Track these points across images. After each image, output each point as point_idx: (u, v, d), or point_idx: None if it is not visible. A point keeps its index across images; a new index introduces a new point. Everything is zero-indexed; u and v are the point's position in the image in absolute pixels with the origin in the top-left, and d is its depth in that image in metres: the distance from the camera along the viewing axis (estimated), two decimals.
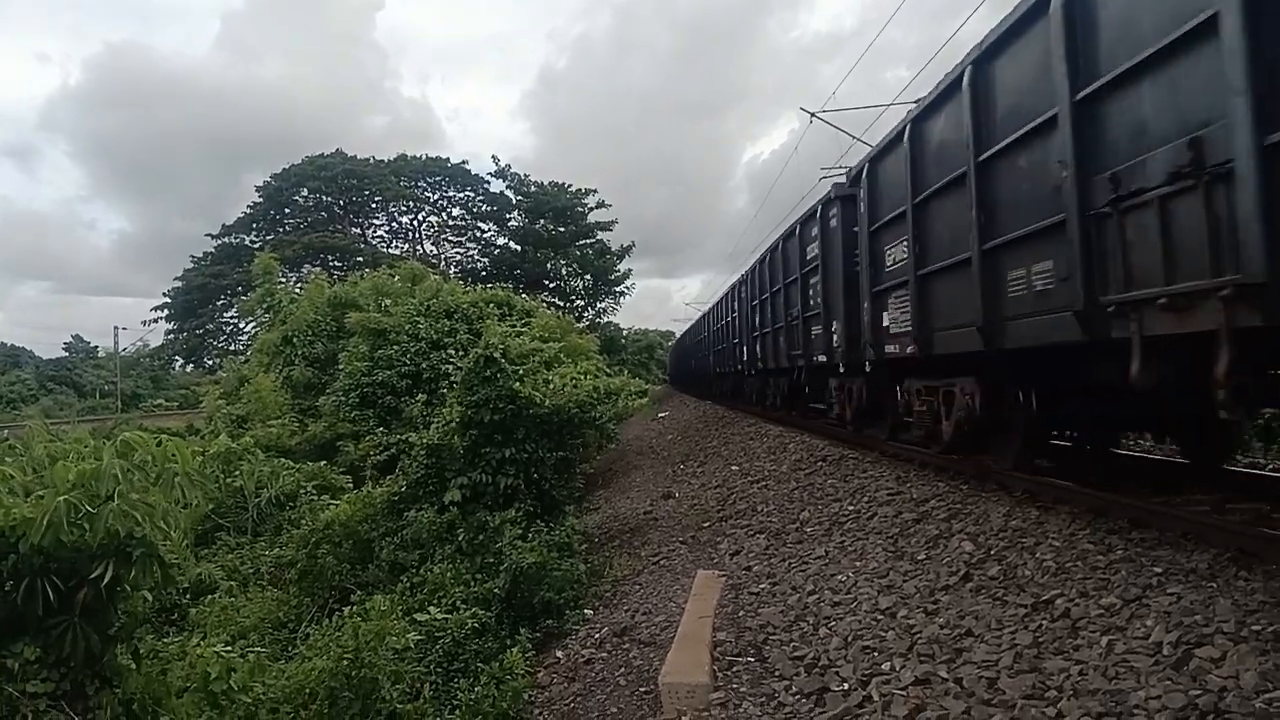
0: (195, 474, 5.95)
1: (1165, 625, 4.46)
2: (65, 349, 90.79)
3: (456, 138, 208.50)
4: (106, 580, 5.48)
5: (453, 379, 16.13)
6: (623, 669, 7.30)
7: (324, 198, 67.85)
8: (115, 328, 70.89)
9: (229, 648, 8.20)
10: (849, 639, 5.84)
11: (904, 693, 4.83)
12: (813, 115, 22.18)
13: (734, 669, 6.00)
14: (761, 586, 7.73)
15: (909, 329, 9.06)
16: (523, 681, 7.96)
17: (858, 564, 7.39)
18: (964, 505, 7.84)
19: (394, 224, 71.64)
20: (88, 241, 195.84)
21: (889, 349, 10.05)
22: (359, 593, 11.64)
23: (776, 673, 5.76)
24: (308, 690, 7.72)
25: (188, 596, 12.50)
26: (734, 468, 14.64)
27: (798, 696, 5.31)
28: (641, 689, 6.67)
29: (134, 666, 6.33)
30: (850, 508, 9.25)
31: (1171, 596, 4.78)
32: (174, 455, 5.86)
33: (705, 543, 10.49)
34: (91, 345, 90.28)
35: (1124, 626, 4.63)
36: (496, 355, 13.73)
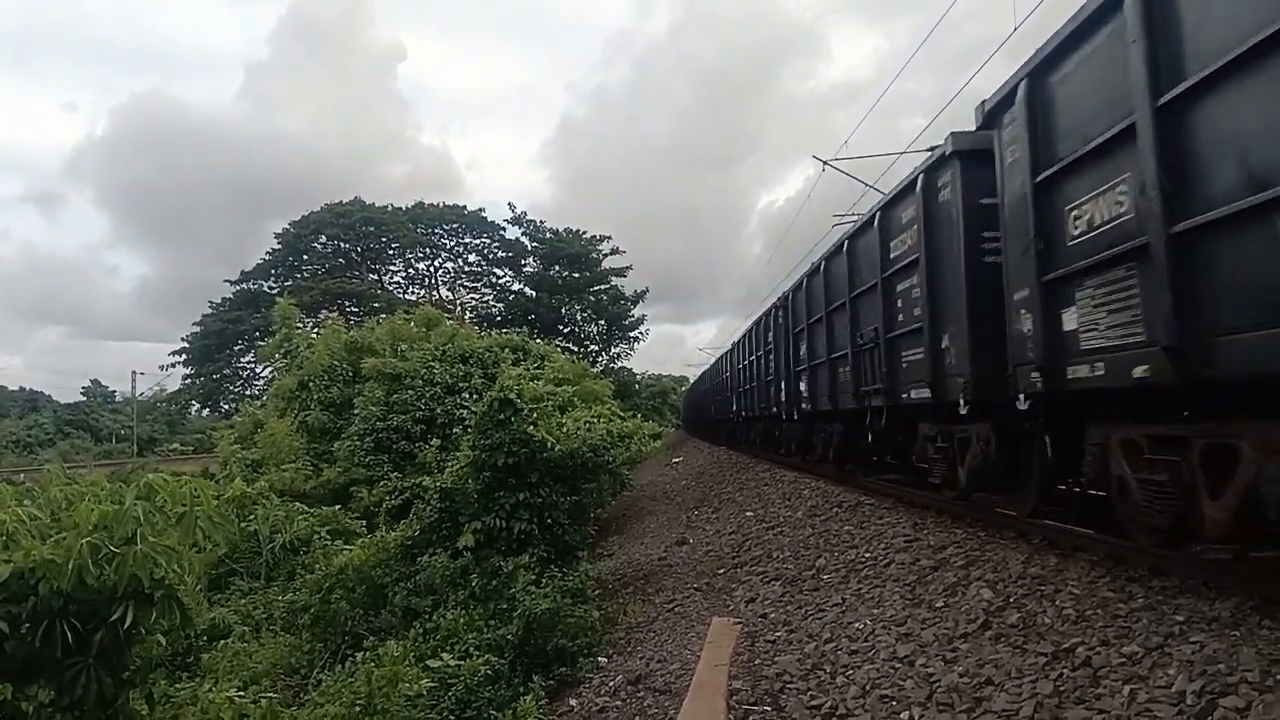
0: (216, 516, 5.98)
1: (1188, 674, 4.40)
2: (83, 393, 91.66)
3: (476, 186, 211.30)
4: (125, 624, 5.49)
5: (467, 423, 16.16)
6: (637, 717, 7.23)
7: (342, 244, 68.58)
8: (133, 373, 71.72)
9: (241, 693, 8.16)
10: (867, 687, 5.78)
11: None
12: (825, 163, 22.34)
13: (750, 718, 5.94)
14: (778, 634, 7.66)
15: (1135, 336, 5.57)
16: None
17: (875, 611, 7.32)
18: (982, 552, 7.78)
19: (411, 270, 72.36)
20: (109, 287, 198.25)
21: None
22: (372, 638, 11.58)
23: None
24: None
25: (201, 641, 12.47)
26: (748, 513, 14.56)
27: None
28: None
29: (147, 711, 6.30)
30: (867, 554, 9.18)
31: (1194, 645, 4.71)
32: (197, 497, 5.89)
33: (720, 589, 10.41)
34: (109, 390, 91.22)
35: (1146, 675, 4.57)
36: (511, 398, 13.76)
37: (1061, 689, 4.77)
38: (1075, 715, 4.44)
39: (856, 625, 7.12)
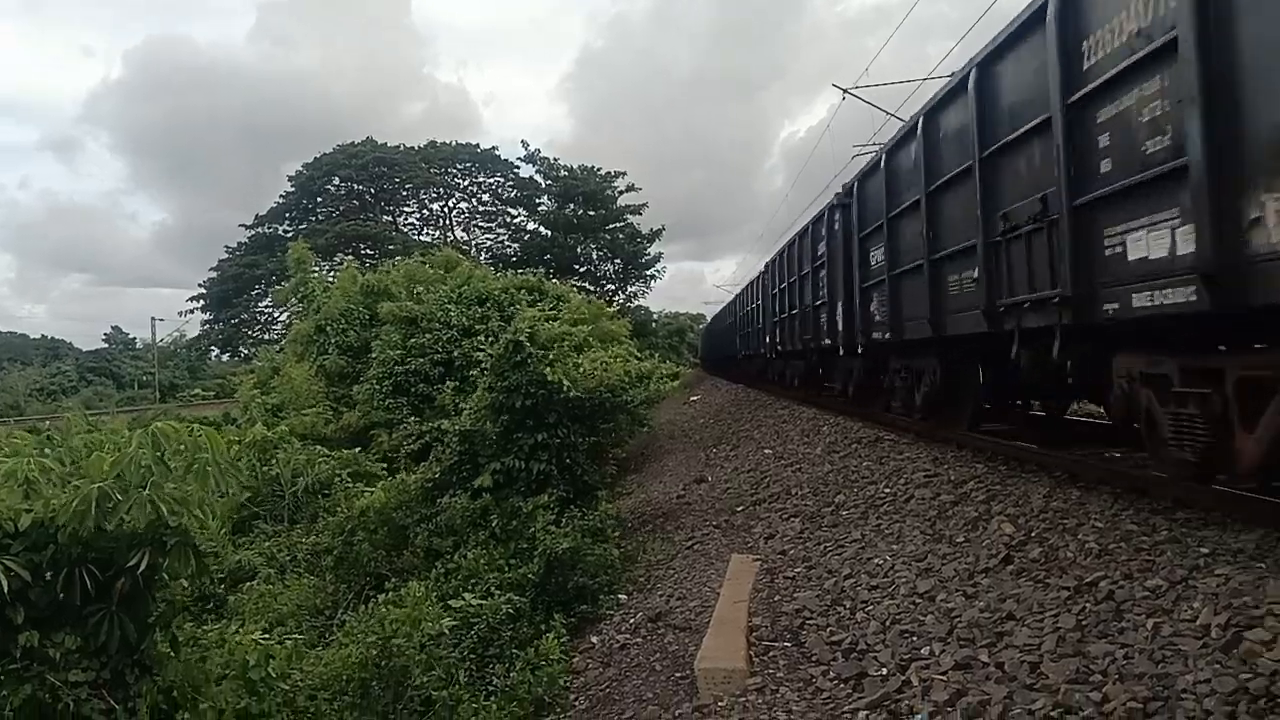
0: (227, 462, 5.97)
1: (1213, 607, 4.34)
2: (105, 340, 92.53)
3: (493, 123, 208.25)
4: (143, 569, 5.52)
5: (484, 366, 16.18)
6: (658, 654, 7.27)
7: (355, 186, 68.36)
8: (152, 319, 72.42)
9: (267, 635, 8.26)
10: (887, 623, 5.76)
11: (944, 677, 4.75)
12: (845, 92, 21.92)
13: (770, 654, 5.95)
14: (797, 571, 7.66)
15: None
16: (558, 667, 7.95)
17: (895, 547, 7.29)
18: (1003, 486, 7.72)
19: (425, 211, 72.14)
20: (128, 233, 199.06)
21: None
22: (394, 579, 11.72)
23: (813, 658, 5.70)
24: (344, 677, 7.76)
25: (226, 584, 12.65)
26: (767, 451, 14.55)
27: (835, 681, 5.24)
28: (677, 674, 6.63)
29: (173, 654, 6.37)
30: (886, 490, 9.14)
31: (1219, 578, 4.64)
32: (205, 444, 5.88)
33: (739, 527, 10.42)
34: (130, 337, 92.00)
35: (1170, 609, 4.51)
36: (526, 340, 13.71)
37: (1084, 623, 4.72)
38: (1098, 649, 4.39)
39: (876, 561, 7.10)
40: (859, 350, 13.22)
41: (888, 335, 11.19)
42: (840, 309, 13.86)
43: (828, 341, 15.33)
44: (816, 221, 16.41)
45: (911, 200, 10.02)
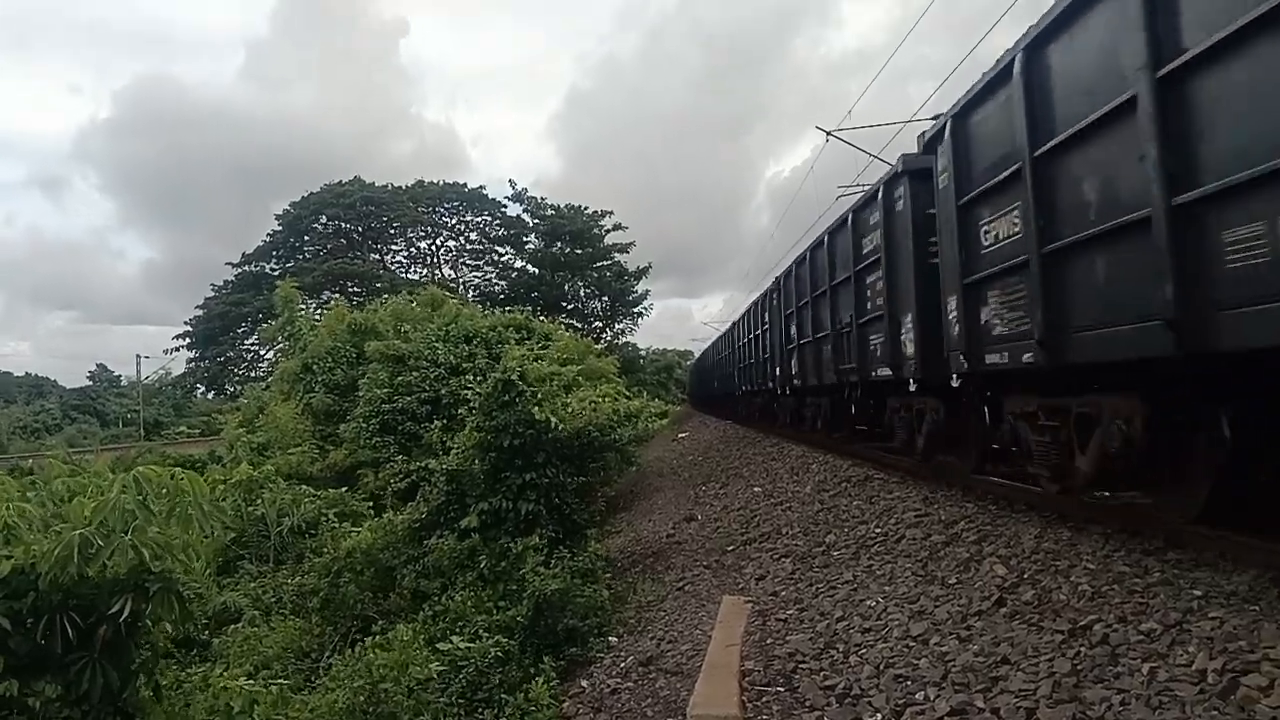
0: (210, 506, 5.91)
1: (1208, 652, 4.32)
2: (89, 378, 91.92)
3: (481, 162, 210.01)
4: (125, 616, 5.44)
5: (472, 405, 16.14)
6: (649, 699, 7.17)
7: (342, 224, 68.38)
8: (138, 356, 71.85)
9: (251, 679, 8.14)
10: (881, 667, 5.71)
11: None
12: (829, 134, 22.10)
13: (763, 699, 5.88)
14: (789, 613, 7.60)
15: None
16: (548, 713, 7.84)
17: (887, 588, 7.25)
18: (994, 527, 7.70)
19: (412, 249, 72.11)
20: (115, 270, 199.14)
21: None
22: (381, 621, 11.58)
23: (807, 703, 5.63)
24: None
25: (211, 626, 12.48)
26: (756, 489, 14.49)
27: None
28: None
29: (156, 701, 6.27)
30: (877, 530, 9.10)
31: (1213, 621, 4.63)
32: (188, 488, 5.82)
33: (730, 567, 10.35)
34: (115, 374, 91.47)
35: (1165, 653, 4.49)
36: (515, 379, 13.67)
37: (1079, 667, 4.69)
38: (1094, 694, 4.36)
39: (869, 603, 7.05)
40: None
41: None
42: (910, 325, 10.04)
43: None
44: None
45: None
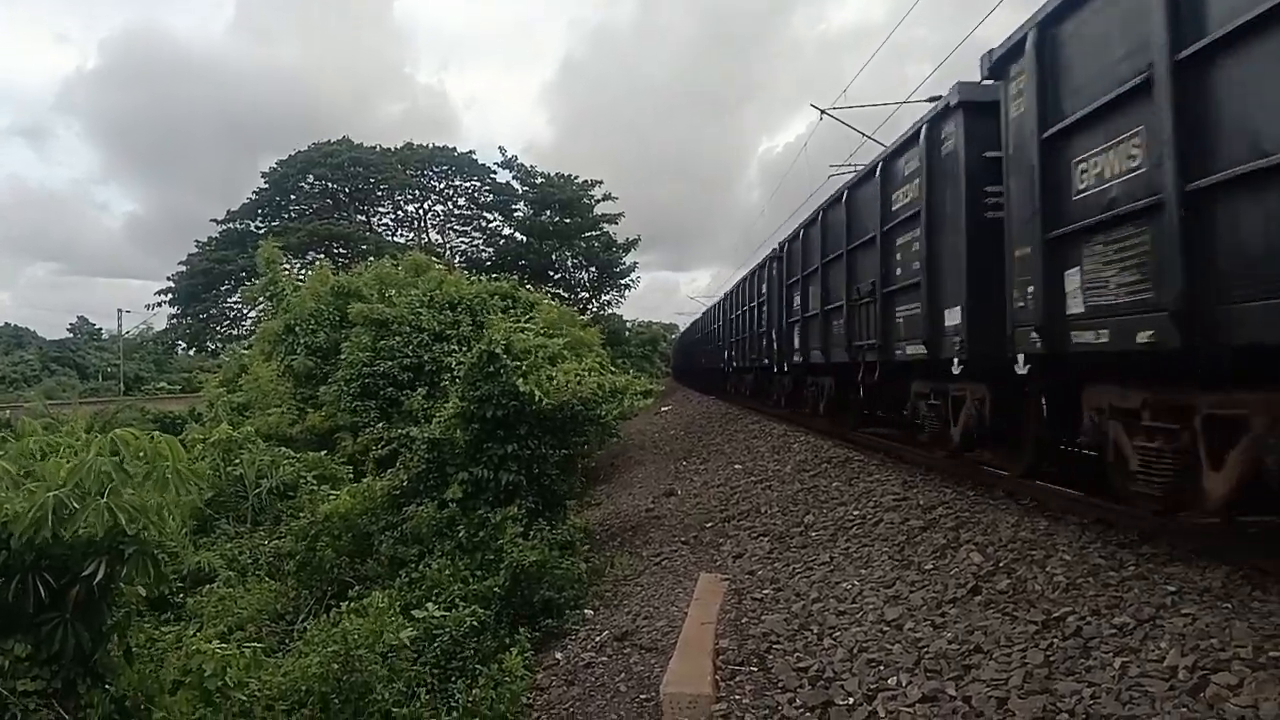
0: (187, 470, 5.86)
1: (1180, 648, 4.36)
2: (70, 330, 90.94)
3: (473, 126, 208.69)
4: (99, 578, 5.40)
5: (455, 372, 16.02)
6: (623, 674, 7.20)
7: (329, 185, 67.69)
8: (119, 310, 71.18)
9: (225, 641, 8.12)
10: (854, 650, 5.74)
11: (910, 710, 4.73)
12: (823, 112, 22.01)
13: (736, 679, 5.90)
14: (765, 592, 7.63)
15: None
16: (521, 684, 7.86)
17: (863, 572, 7.28)
18: (972, 514, 7.73)
19: (399, 212, 71.51)
20: (99, 223, 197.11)
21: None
22: (358, 586, 11.57)
23: (780, 684, 5.65)
24: (303, 689, 7.64)
25: (186, 585, 12.42)
26: (737, 466, 14.53)
27: (801, 710, 5.20)
28: (642, 696, 6.57)
29: (127, 663, 6.24)
30: (855, 512, 9.14)
31: (1186, 617, 4.67)
32: (165, 453, 5.77)
33: (708, 543, 10.38)
34: (96, 327, 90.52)
35: (1137, 648, 4.52)
36: (499, 351, 13.61)
37: (1052, 659, 4.72)
38: (1066, 687, 4.39)
39: (844, 585, 7.08)
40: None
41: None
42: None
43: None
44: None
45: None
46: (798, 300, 15.21)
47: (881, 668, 5.37)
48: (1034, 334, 6.67)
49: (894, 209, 10.00)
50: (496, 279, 27.46)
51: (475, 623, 9.33)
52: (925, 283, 8.86)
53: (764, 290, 19.39)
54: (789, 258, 16.34)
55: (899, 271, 9.84)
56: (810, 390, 15.66)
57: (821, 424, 14.99)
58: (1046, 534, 6.67)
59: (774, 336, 17.87)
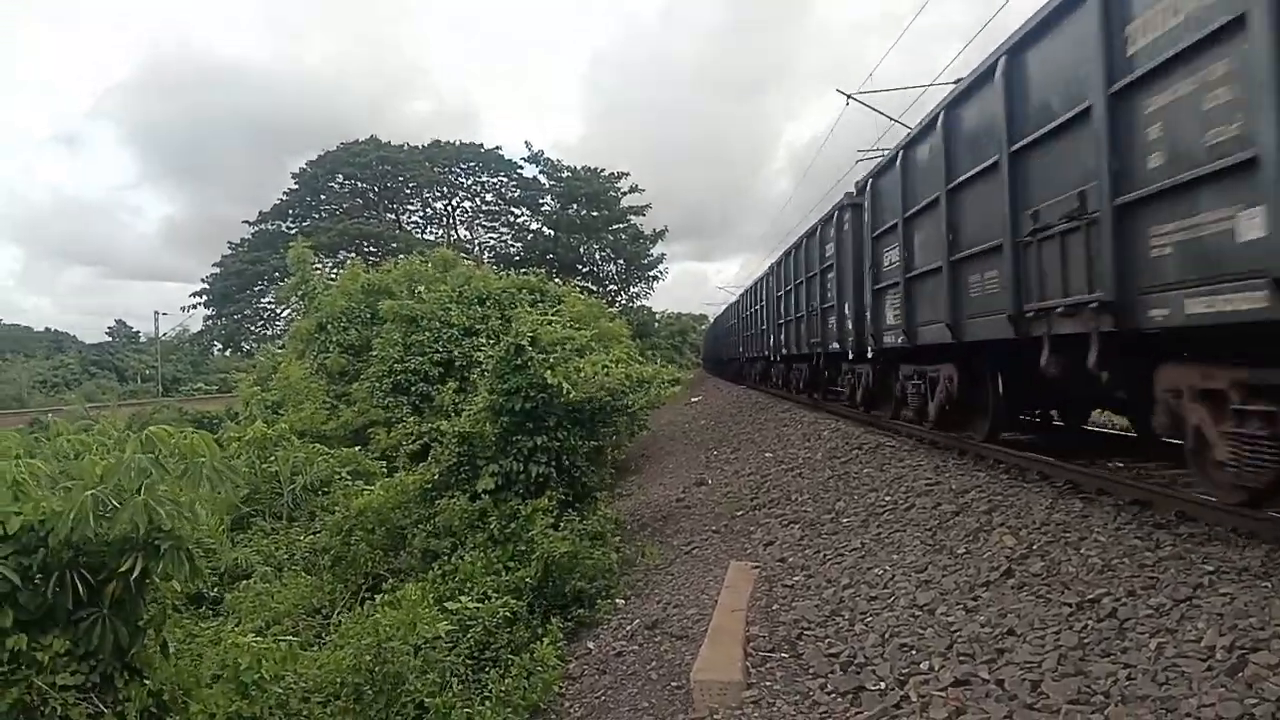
0: (221, 467, 5.91)
1: (1218, 628, 4.28)
2: (108, 334, 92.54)
3: (500, 122, 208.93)
4: (135, 574, 5.46)
5: (484, 366, 16.07)
6: (654, 662, 7.20)
7: (358, 184, 68.30)
8: (155, 313, 72.29)
9: (261, 635, 8.20)
10: (886, 636, 5.70)
11: (943, 694, 4.69)
12: (849, 97, 21.82)
13: (767, 665, 5.88)
14: (796, 579, 7.59)
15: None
16: (554, 674, 7.87)
17: (895, 557, 7.22)
18: (1005, 497, 7.64)
19: (428, 210, 72.05)
20: (135, 227, 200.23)
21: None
22: (391, 580, 11.65)
23: (811, 670, 5.63)
24: (338, 680, 7.70)
25: (223, 581, 12.58)
26: (768, 454, 14.47)
27: (833, 695, 5.18)
28: (673, 684, 6.56)
29: (164, 657, 6.31)
30: (887, 498, 9.07)
31: (1224, 597, 4.59)
32: (201, 450, 5.82)
33: (738, 532, 10.35)
34: (134, 330, 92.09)
35: (1174, 629, 4.45)
36: (526, 344, 13.63)
37: (1086, 641, 4.66)
38: (1100, 669, 4.33)
39: (876, 571, 7.03)
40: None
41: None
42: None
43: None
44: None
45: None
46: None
47: (913, 652, 5.32)
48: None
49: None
50: (525, 274, 27.54)
51: (508, 614, 9.34)
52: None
53: (829, 253, 15.60)
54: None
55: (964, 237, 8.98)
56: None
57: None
58: (1081, 515, 6.58)
59: (846, 313, 14.06)
